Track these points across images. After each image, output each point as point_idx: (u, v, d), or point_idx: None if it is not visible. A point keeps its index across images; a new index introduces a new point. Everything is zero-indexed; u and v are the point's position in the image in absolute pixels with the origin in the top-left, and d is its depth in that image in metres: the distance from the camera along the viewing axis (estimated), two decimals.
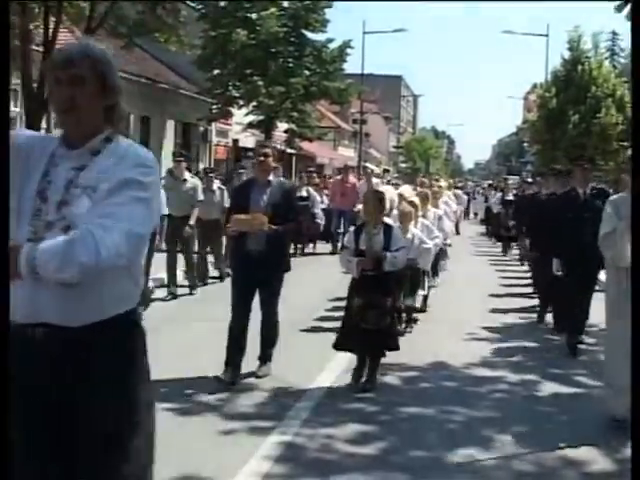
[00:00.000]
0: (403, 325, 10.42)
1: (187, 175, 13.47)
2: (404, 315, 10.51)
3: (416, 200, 11.35)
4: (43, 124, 19.88)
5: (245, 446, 6.21)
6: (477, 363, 9.43)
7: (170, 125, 33.32)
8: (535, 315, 12.59)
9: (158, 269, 12.97)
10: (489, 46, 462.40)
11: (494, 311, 13.12)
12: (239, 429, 6.68)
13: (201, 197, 13.42)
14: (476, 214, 41.62)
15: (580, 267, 9.67)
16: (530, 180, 19.00)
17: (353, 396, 7.69)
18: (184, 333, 10.19)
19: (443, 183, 21.22)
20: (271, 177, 8.36)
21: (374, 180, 20.37)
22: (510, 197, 22.61)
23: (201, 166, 33.30)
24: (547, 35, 47.40)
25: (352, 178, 22.85)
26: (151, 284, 12.64)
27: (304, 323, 10.90)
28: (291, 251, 19.88)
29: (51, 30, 18.30)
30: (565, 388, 8.47)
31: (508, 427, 7.07)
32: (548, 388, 8.45)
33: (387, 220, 9.79)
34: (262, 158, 8.24)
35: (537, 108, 40.39)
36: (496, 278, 17.64)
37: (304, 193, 20.79)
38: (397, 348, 8.21)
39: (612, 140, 36.19)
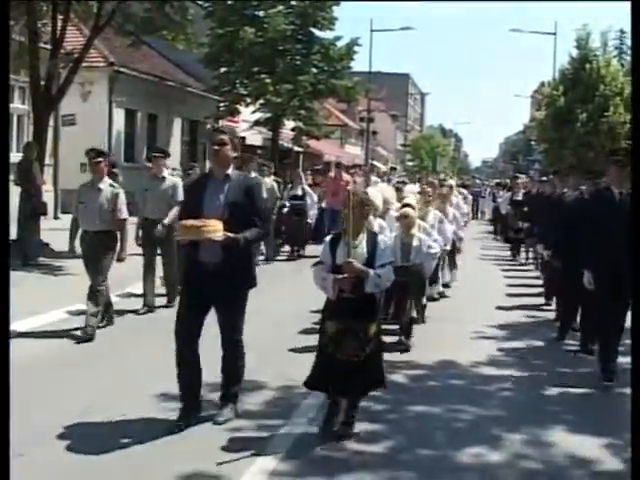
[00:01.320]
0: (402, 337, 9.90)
1: (166, 173, 12.15)
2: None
3: (413, 201, 10.85)
4: (51, 122, 19.87)
5: (252, 444, 6.21)
6: (485, 362, 9.41)
7: (177, 123, 33.34)
8: (543, 313, 12.58)
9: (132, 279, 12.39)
10: (497, 44, 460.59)
11: (501, 309, 13.09)
12: (246, 427, 6.67)
13: (181, 197, 11.39)
14: (483, 213, 41.34)
15: (614, 280, 8.27)
16: (544, 178, 17.71)
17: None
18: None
19: (452, 182, 19.99)
20: (230, 171, 6.81)
21: (373, 179, 19.79)
22: (519, 197, 20.76)
23: (208, 164, 33.29)
24: (555, 33, 47.29)
25: (346, 176, 21.50)
26: None
27: (308, 320, 10.65)
28: (287, 254, 19.71)
29: (59, 28, 18.29)
30: (573, 387, 8.44)
31: (516, 426, 7.05)
32: (556, 387, 8.41)
33: (376, 224, 9.56)
34: (217, 147, 6.70)
35: (545, 106, 40.24)
36: (504, 286, 16.38)
37: (299, 192, 19.91)
38: (383, 385, 6.86)
39: (620, 139, 36.00)
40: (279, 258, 19.05)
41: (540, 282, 14.94)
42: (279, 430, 6.62)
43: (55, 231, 15.95)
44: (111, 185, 10.29)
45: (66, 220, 9.27)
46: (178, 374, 6.71)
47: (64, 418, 6.68)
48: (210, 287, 6.56)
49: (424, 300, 10.92)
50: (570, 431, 7.00)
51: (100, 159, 10.24)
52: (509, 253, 21.96)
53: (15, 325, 8.59)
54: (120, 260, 10.21)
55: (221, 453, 6.04)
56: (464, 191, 25.68)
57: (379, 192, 10.72)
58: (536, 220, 14.68)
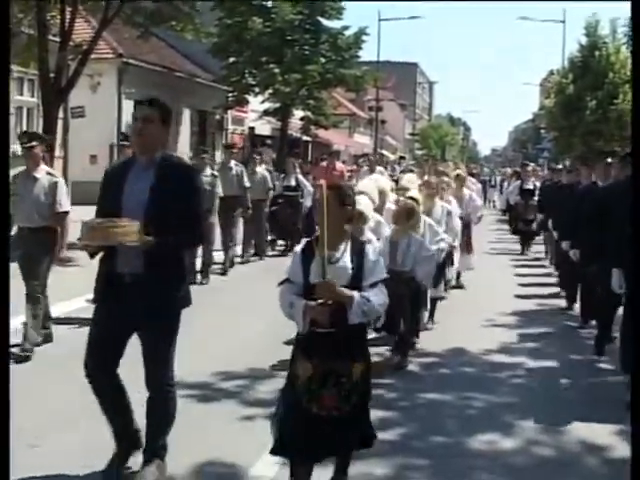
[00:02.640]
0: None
1: (208, 170, 12.94)
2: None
3: (416, 194, 9.22)
4: (60, 114, 19.90)
5: (264, 432, 6.20)
6: (496, 349, 9.41)
7: (186, 114, 33.36)
8: (555, 301, 12.58)
9: None
10: (505, 33, 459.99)
11: (514, 297, 13.08)
12: (258, 415, 6.68)
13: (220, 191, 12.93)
14: (492, 202, 40.24)
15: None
16: (559, 167, 16.73)
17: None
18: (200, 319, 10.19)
19: (460, 171, 16.66)
20: (158, 154, 5.27)
21: (379, 169, 18.04)
22: (530, 186, 19.37)
23: (218, 155, 33.34)
24: (564, 21, 47.19)
25: (340, 165, 19.78)
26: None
27: None
28: (281, 248, 18.10)
29: (67, 20, 18.31)
30: (585, 374, 8.46)
31: (528, 413, 7.06)
32: (568, 374, 8.44)
33: (367, 232, 8.35)
34: (141, 124, 5.19)
35: (554, 94, 40.09)
36: (514, 283, 15.41)
37: (292, 182, 18.12)
38: (372, 441, 5.27)
39: (629, 127, 35.89)
40: (272, 253, 17.65)
41: (551, 280, 14.82)
42: None
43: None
44: (49, 173, 8.75)
45: (76, 212, 8.87)
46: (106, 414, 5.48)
47: (78, 407, 6.70)
48: (129, 306, 5.09)
49: (425, 314, 9.57)
50: (583, 418, 6.99)
51: (34, 143, 8.54)
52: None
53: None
54: (62, 261, 8.76)
55: (233, 442, 6.07)
56: (471, 179, 21.26)
57: (374, 182, 10.29)
58: (552, 213, 13.64)
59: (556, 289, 13.42)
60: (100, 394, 5.33)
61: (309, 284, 4.76)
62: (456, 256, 11.47)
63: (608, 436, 6.56)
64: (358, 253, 4.86)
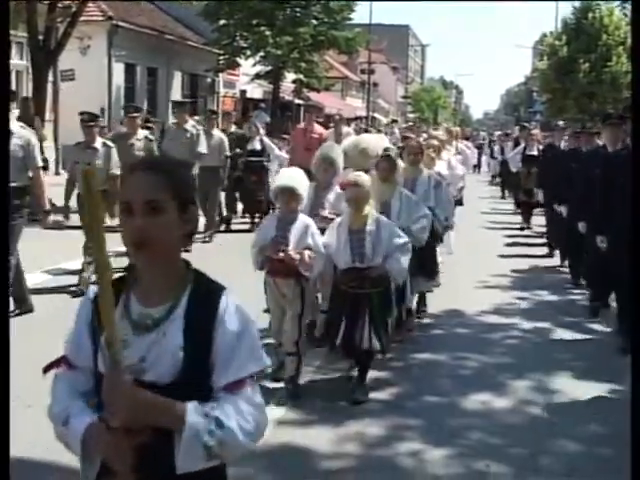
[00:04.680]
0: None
1: (99, 143, 10.02)
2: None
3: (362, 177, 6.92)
4: (50, 77, 19.75)
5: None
6: (489, 311, 9.43)
7: (177, 77, 33.15)
8: (547, 262, 12.61)
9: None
10: None
11: (505, 257, 13.11)
12: None
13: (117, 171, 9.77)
14: (479, 167, 35.42)
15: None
16: (554, 126, 14.83)
17: None
18: None
19: (441, 134, 13.83)
20: None
21: (345, 129, 15.08)
22: (534, 152, 16.19)
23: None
24: None
25: (319, 127, 15.73)
26: None
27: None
28: (247, 227, 15.16)
29: None
30: (578, 335, 8.50)
31: (521, 373, 7.10)
32: (561, 335, 8.47)
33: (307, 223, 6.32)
34: None
35: (547, 56, 39.97)
36: (502, 243, 15.02)
37: (257, 145, 15.49)
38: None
39: (623, 89, 35.84)
40: (235, 228, 15.32)
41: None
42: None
43: (56, 187, 15.88)
44: (22, 127, 8.36)
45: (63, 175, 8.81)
46: None
47: None
48: None
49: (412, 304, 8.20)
50: (575, 378, 7.05)
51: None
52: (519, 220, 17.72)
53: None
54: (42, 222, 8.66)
55: None
56: (465, 145, 18.00)
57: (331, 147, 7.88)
58: (556, 186, 11.46)
59: (545, 249, 13.52)
60: None
61: (99, 374, 2.41)
62: (450, 236, 10.01)
63: (601, 395, 6.60)
64: (204, 319, 2.35)
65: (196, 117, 19.39)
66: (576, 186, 9.41)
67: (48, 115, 19.78)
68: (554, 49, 38.13)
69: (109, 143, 10.15)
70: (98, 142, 9.87)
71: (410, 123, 25.83)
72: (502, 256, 13.36)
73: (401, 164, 7.85)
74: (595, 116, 32.39)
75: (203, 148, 13.04)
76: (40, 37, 17.99)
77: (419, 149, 8.58)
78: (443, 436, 5.65)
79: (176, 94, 32.46)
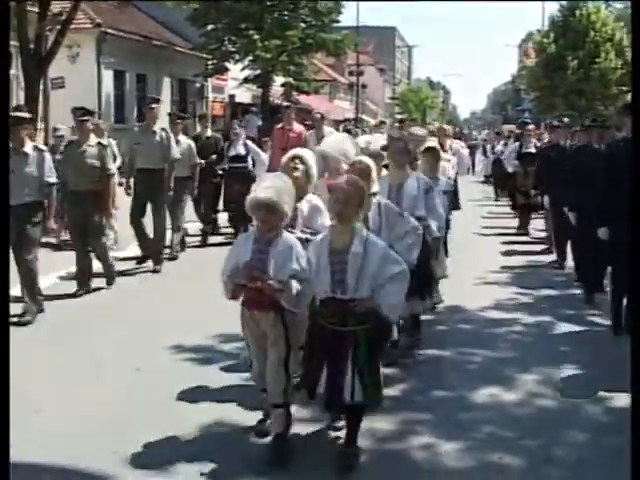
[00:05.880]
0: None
1: (93, 139, 9.97)
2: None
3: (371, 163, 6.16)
4: (40, 86, 19.69)
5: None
6: (491, 306, 9.46)
7: (166, 83, 33.12)
8: (544, 258, 12.67)
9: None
10: None
11: (505, 254, 13.14)
12: None
13: (112, 166, 10.18)
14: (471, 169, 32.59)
15: None
16: (556, 123, 13.64)
17: None
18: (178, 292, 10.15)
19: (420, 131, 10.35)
20: None
21: (326, 129, 13.47)
22: (531, 149, 15.06)
23: (198, 122, 33.10)
24: None
25: (298, 126, 14.49)
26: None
27: None
28: (229, 237, 13.80)
29: None
30: (580, 328, 8.53)
31: (528, 366, 7.14)
32: (563, 328, 8.51)
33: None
34: None
35: (535, 53, 40.14)
36: (498, 241, 14.75)
37: (241, 150, 14.12)
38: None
39: (611, 85, 36.03)
40: (215, 241, 13.81)
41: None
42: (294, 378, 6.66)
43: None
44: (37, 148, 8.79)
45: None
46: None
47: (76, 375, 6.73)
48: None
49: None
50: (581, 370, 7.11)
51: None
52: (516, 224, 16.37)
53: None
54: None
55: (239, 401, 6.10)
56: (460, 145, 15.28)
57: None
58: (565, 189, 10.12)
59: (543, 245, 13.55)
60: None
61: None
62: (442, 253, 8.64)
63: (607, 386, 6.61)
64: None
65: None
66: (592, 188, 8.43)
67: (39, 123, 19.69)
68: (542, 46, 38.28)
69: (104, 142, 10.15)
70: (93, 140, 9.87)
71: (400, 118, 24.40)
72: (500, 252, 13.40)
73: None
74: (584, 113, 32.63)
75: (176, 153, 11.66)
76: (31, 45, 17.94)
77: (405, 149, 7.15)
78: (454, 430, 5.67)
79: (165, 99, 32.34)
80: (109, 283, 10.06)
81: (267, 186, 5.13)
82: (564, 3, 38.01)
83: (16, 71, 21.71)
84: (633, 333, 5.55)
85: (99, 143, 9.91)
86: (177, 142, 12.13)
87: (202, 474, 4.87)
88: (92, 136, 9.97)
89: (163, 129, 11.66)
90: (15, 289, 8.09)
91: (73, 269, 10.01)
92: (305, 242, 5.48)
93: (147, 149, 11.34)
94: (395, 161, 7.12)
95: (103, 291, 9.89)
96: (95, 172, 9.67)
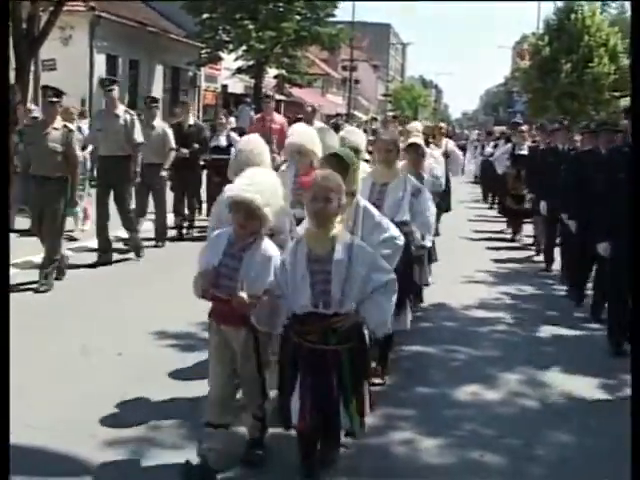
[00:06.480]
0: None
1: (59, 121, 9.35)
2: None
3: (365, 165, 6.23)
4: (31, 67, 19.59)
5: None
6: (476, 305, 9.46)
7: (159, 70, 32.97)
8: (530, 260, 12.67)
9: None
10: None
11: (492, 255, 13.13)
12: None
13: (78, 152, 9.57)
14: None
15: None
16: (556, 127, 12.81)
17: None
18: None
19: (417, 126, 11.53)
20: None
21: (317, 123, 12.21)
22: (524, 151, 14.22)
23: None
24: None
25: (279, 117, 14.20)
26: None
27: None
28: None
29: None
30: (564, 329, 8.52)
31: (510, 365, 7.13)
32: (548, 329, 8.50)
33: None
34: None
35: (529, 55, 40.22)
36: (485, 246, 14.22)
37: (223, 141, 13.67)
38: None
39: (604, 90, 36.12)
40: (195, 235, 13.12)
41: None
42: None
43: None
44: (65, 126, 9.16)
45: None
46: None
47: (60, 359, 6.68)
48: None
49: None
50: (564, 370, 7.10)
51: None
52: (506, 229, 15.82)
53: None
54: None
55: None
56: (453, 145, 14.48)
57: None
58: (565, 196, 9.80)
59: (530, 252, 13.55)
60: None
61: None
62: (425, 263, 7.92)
63: (590, 387, 6.64)
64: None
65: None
66: (592, 196, 8.18)
67: (30, 105, 19.57)
68: (536, 49, 38.35)
69: (71, 126, 9.51)
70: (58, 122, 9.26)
71: (391, 114, 23.74)
72: (487, 254, 13.39)
73: (366, 167, 6.52)
74: (576, 116, 32.70)
75: (139, 137, 10.84)
76: (23, 26, 17.84)
77: (393, 144, 6.45)
78: (436, 426, 5.64)
79: (158, 87, 32.30)
80: (58, 277, 9.40)
81: (249, 183, 4.43)
82: (560, 4, 38.10)
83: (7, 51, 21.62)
84: (632, 333, 5.56)
85: (65, 126, 9.27)
86: (152, 127, 11.84)
87: (183, 461, 4.81)
88: (58, 119, 9.30)
89: (127, 111, 10.96)
90: None
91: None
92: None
93: (109, 134, 10.65)
94: (381, 157, 6.45)
95: (85, 276, 9.82)
96: (56, 157, 9.08)
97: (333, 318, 4.31)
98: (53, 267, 9.21)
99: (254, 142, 5.47)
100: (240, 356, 4.57)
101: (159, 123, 12.23)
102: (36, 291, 8.86)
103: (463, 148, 30.17)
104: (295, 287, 4.34)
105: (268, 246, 4.54)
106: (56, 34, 21.72)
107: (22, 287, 8.90)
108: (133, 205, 11.39)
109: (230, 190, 4.51)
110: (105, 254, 10.63)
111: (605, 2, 42.54)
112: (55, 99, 9.20)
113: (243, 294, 4.28)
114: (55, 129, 9.15)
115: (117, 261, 10.91)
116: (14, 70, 18.60)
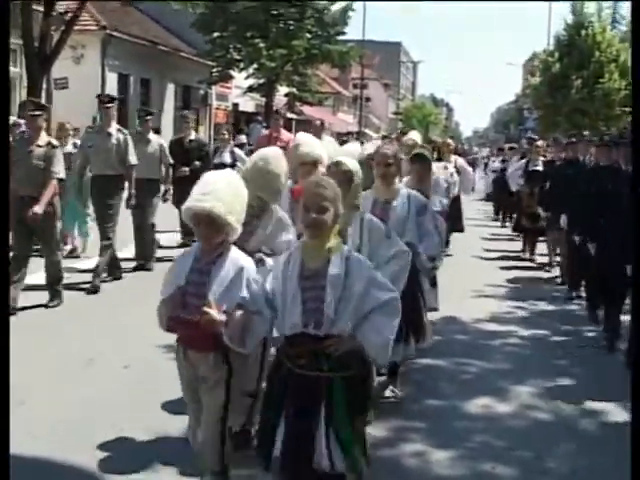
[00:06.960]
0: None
1: (43, 138, 8.80)
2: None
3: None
4: (43, 86, 19.68)
5: None
6: (487, 319, 9.41)
7: (170, 89, 33.10)
8: (543, 274, 12.61)
9: None
10: (490, 12, 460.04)
11: (505, 274, 13.06)
12: None
13: (59, 170, 8.78)
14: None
15: None
16: (573, 140, 12.11)
17: None
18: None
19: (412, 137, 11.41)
20: None
21: (326, 138, 10.63)
22: (539, 167, 13.70)
23: (202, 130, 33.10)
24: None
25: (286, 134, 13.72)
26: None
27: None
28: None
29: None
30: (576, 342, 8.47)
31: (522, 379, 7.08)
32: (560, 342, 8.48)
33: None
34: None
35: (540, 72, 40.24)
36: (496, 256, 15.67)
37: (227, 158, 13.15)
38: None
39: (615, 105, 36.06)
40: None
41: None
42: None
43: None
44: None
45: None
46: None
47: (66, 369, 6.67)
48: None
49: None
50: (576, 384, 7.05)
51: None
52: (520, 248, 15.08)
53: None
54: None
55: None
56: (463, 161, 14.38)
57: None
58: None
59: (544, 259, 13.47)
60: None
61: None
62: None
63: (602, 401, 6.56)
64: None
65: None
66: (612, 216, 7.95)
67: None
68: (547, 65, 38.40)
69: (54, 142, 8.87)
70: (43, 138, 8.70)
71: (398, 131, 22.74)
72: (499, 268, 13.33)
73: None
74: (590, 130, 32.69)
75: (133, 158, 10.42)
76: (35, 44, 17.97)
77: (394, 158, 5.93)
78: (447, 438, 5.61)
79: (169, 106, 32.42)
80: (51, 299, 8.91)
81: (206, 192, 4.01)
82: (570, 22, 38.08)
83: (19, 69, 21.72)
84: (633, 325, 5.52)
85: (49, 143, 8.71)
86: (147, 141, 11.48)
87: (183, 473, 4.77)
88: (43, 134, 8.78)
89: (120, 130, 10.45)
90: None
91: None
92: (258, 263, 4.56)
93: (101, 153, 10.20)
94: (381, 173, 5.93)
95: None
96: (40, 176, 8.54)
97: (326, 341, 3.80)
98: (60, 285, 9.04)
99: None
100: (208, 382, 4.07)
101: (154, 137, 11.86)
102: (46, 307, 8.83)
103: (472, 164, 29.89)
104: (285, 305, 3.87)
105: (239, 256, 4.11)
106: (68, 53, 21.87)
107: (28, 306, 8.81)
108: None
109: (187, 201, 4.05)
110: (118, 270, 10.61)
111: (615, 22, 42.52)
112: (37, 112, 8.69)
113: (212, 310, 3.81)
114: (39, 146, 8.64)
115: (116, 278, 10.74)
116: (26, 88, 18.73)
